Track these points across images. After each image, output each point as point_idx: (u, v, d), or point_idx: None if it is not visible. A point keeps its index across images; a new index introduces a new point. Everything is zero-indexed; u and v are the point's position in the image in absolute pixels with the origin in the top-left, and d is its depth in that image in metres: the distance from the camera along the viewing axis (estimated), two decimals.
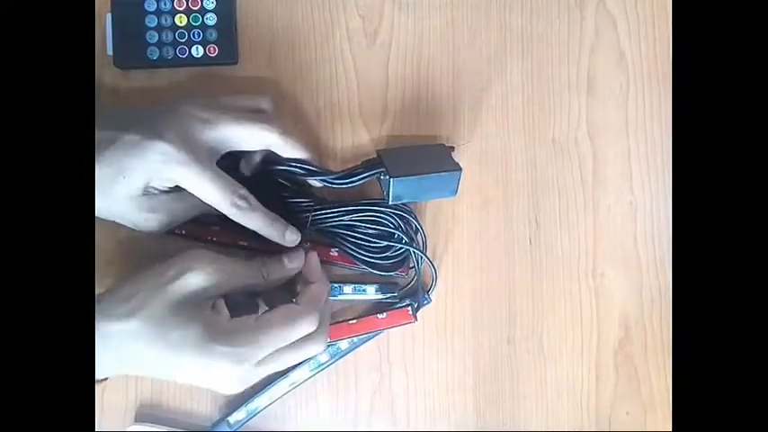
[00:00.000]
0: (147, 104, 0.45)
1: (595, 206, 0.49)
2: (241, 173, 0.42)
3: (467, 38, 0.48)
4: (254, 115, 0.41)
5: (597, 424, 0.49)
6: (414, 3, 0.47)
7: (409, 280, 0.47)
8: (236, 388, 0.37)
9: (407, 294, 0.47)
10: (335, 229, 0.44)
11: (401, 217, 0.44)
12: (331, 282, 0.44)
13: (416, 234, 0.45)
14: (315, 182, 0.44)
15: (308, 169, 0.43)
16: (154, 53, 0.44)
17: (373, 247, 0.44)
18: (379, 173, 0.42)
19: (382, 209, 0.44)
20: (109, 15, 0.44)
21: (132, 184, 0.37)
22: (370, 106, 0.47)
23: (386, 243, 0.44)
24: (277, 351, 0.38)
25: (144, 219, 0.39)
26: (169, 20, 0.44)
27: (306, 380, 0.46)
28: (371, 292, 0.46)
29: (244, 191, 0.39)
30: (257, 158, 0.42)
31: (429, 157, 0.44)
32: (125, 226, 0.40)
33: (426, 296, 0.47)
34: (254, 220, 0.40)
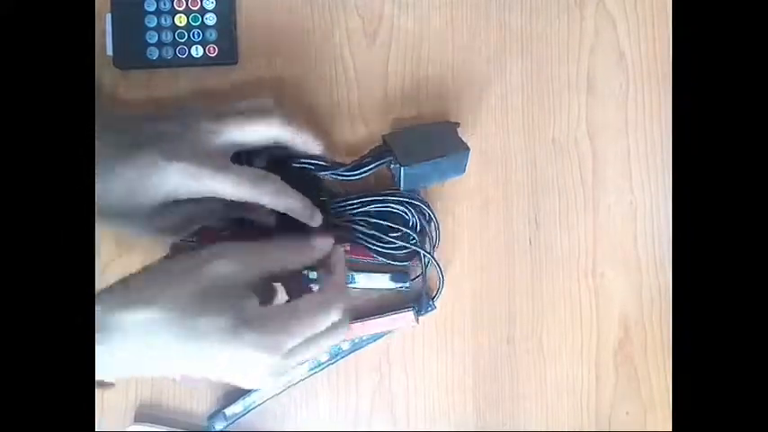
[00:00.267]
0: (147, 104, 0.45)
1: (595, 206, 0.49)
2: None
3: (466, 38, 0.48)
4: (258, 113, 0.41)
5: (597, 424, 0.49)
6: (414, 3, 0.47)
7: (419, 272, 0.46)
8: (264, 380, 0.36)
9: (413, 296, 0.47)
10: (349, 222, 0.44)
11: (414, 206, 0.44)
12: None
13: (429, 223, 0.45)
14: (325, 176, 0.44)
15: (318, 164, 0.43)
16: (153, 53, 0.44)
17: (387, 239, 0.44)
18: (389, 161, 0.42)
19: (395, 198, 0.44)
20: (109, 15, 0.44)
21: (148, 202, 0.37)
22: (370, 106, 0.47)
23: (399, 234, 0.44)
24: (306, 340, 0.36)
25: (153, 228, 0.39)
26: (169, 20, 0.44)
27: (305, 378, 0.46)
28: (384, 282, 0.46)
29: (271, 175, 0.39)
30: (267, 155, 0.42)
31: (436, 139, 0.44)
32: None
33: (431, 303, 0.46)
34: (289, 200, 0.40)
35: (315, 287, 0.42)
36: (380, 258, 0.45)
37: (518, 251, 0.48)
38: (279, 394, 0.46)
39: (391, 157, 0.42)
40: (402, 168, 0.41)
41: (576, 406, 0.49)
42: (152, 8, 0.44)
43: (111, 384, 0.38)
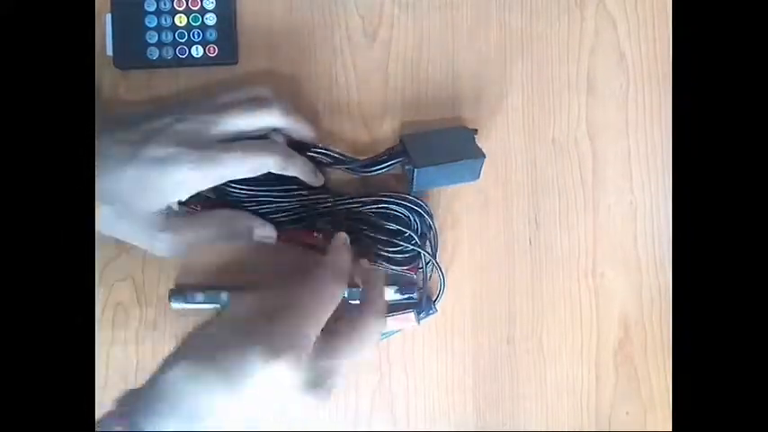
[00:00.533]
0: (147, 105, 0.45)
1: (595, 206, 0.49)
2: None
3: (466, 38, 0.48)
4: (255, 101, 0.41)
5: (597, 424, 0.49)
6: (414, 3, 0.47)
7: (422, 279, 0.46)
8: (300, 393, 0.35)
9: (421, 297, 0.47)
10: (349, 220, 0.44)
11: (417, 213, 0.44)
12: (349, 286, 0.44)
13: (429, 231, 0.45)
14: (341, 170, 0.44)
15: (334, 156, 0.43)
16: (153, 53, 0.44)
17: (386, 241, 0.44)
18: (404, 161, 0.43)
19: (398, 202, 0.44)
20: (109, 15, 0.44)
21: (157, 200, 0.38)
22: (370, 106, 0.47)
23: (401, 237, 0.44)
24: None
25: (158, 239, 0.39)
26: (169, 20, 0.44)
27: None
28: (391, 294, 0.46)
29: (273, 141, 0.41)
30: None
31: (453, 144, 0.44)
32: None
33: (432, 306, 0.46)
34: (297, 163, 0.41)
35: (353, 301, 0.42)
36: (379, 262, 0.44)
37: (518, 251, 0.48)
38: None
39: (406, 158, 0.43)
40: (415, 170, 0.41)
41: (576, 406, 0.49)
42: (152, 8, 0.44)
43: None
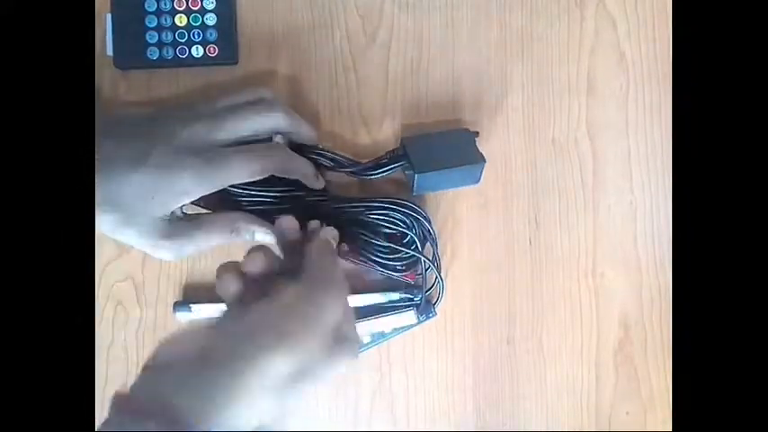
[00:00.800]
0: (147, 106, 0.45)
1: (595, 206, 0.49)
2: None
3: (467, 38, 0.48)
4: (256, 105, 0.41)
5: (597, 424, 0.49)
6: (414, 3, 0.47)
7: (428, 285, 0.46)
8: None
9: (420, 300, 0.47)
10: (348, 225, 0.44)
11: (416, 219, 0.44)
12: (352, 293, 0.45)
13: (429, 237, 0.45)
14: (342, 172, 0.44)
15: (335, 159, 0.44)
16: (154, 53, 0.44)
17: (384, 247, 0.44)
18: (404, 165, 0.43)
19: (397, 208, 0.44)
20: (109, 15, 0.44)
21: (161, 207, 0.38)
22: (370, 106, 0.47)
23: (399, 244, 0.44)
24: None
25: (162, 245, 0.39)
26: (169, 20, 0.44)
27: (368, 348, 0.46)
28: (395, 298, 0.46)
29: (275, 144, 0.41)
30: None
31: (453, 148, 0.44)
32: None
33: (432, 309, 0.46)
34: (299, 166, 0.42)
35: None
36: (377, 268, 0.44)
37: (518, 251, 0.48)
38: None
39: (407, 162, 0.43)
40: (416, 175, 0.42)
41: (576, 406, 0.49)
42: (152, 8, 0.44)
43: None
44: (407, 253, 0.44)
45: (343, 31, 0.47)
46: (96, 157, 0.36)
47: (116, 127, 0.39)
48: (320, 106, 0.46)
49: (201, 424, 0.28)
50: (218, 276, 0.36)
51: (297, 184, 0.43)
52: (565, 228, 0.48)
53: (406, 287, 0.46)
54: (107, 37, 0.44)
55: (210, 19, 0.44)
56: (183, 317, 0.45)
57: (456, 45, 0.47)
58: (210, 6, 0.44)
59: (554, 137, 0.48)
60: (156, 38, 0.44)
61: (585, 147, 0.48)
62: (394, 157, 0.44)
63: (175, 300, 0.46)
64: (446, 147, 0.44)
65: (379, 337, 0.46)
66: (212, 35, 0.45)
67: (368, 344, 0.47)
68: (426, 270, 0.45)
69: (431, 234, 0.45)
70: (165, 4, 0.44)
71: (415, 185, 0.43)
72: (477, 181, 0.44)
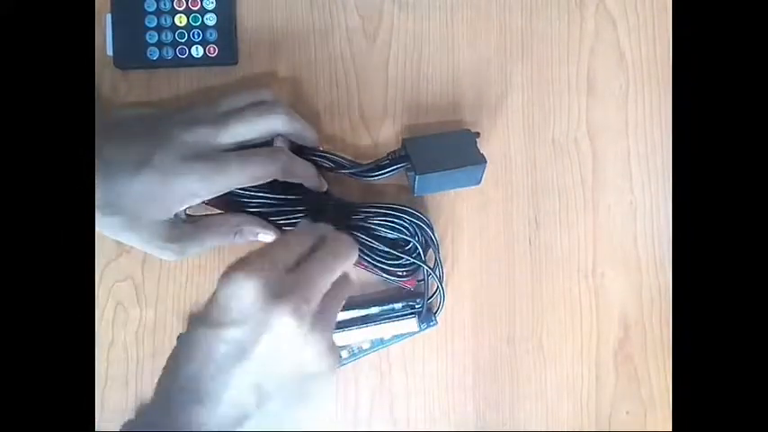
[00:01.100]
0: (147, 106, 0.45)
1: (595, 206, 0.49)
2: None
3: (467, 38, 0.48)
4: (258, 107, 0.41)
5: (597, 424, 0.49)
6: (414, 3, 0.47)
7: (430, 292, 0.46)
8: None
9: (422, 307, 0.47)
10: (351, 229, 0.44)
11: (418, 226, 0.44)
12: (354, 305, 0.45)
13: (431, 243, 0.45)
14: (343, 174, 0.44)
15: (336, 161, 0.43)
16: (154, 53, 0.44)
17: (386, 252, 0.44)
18: (406, 166, 0.43)
19: (400, 214, 0.44)
20: (109, 15, 0.44)
21: (162, 211, 0.38)
22: (370, 106, 0.47)
23: (400, 250, 0.44)
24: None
25: (165, 248, 0.39)
26: (169, 20, 0.44)
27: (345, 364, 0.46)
28: (399, 308, 0.46)
29: (277, 148, 0.41)
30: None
31: (455, 149, 0.44)
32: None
33: (433, 318, 0.46)
34: (301, 170, 0.42)
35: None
36: (379, 273, 0.44)
37: (518, 251, 0.48)
38: None
39: (408, 163, 0.43)
40: (417, 177, 0.42)
41: (576, 406, 0.49)
42: (152, 8, 0.44)
43: None
44: (409, 259, 0.44)
45: (343, 31, 0.47)
46: (97, 159, 0.36)
47: (116, 129, 0.39)
48: (320, 107, 0.46)
49: None
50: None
51: (299, 189, 0.43)
52: (565, 228, 0.48)
53: (408, 295, 0.46)
54: (107, 37, 0.44)
55: (210, 19, 0.44)
56: None
57: (456, 45, 0.47)
58: (210, 6, 0.44)
59: (554, 137, 0.48)
60: (156, 38, 0.44)
61: (585, 147, 0.48)
62: (395, 158, 0.44)
63: (176, 301, 0.46)
64: (447, 148, 0.44)
65: (379, 343, 0.46)
66: (212, 35, 0.45)
67: (367, 350, 0.47)
68: (428, 276, 0.45)
69: (433, 242, 0.45)
70: (165, 4, 0.44)
71: (416, 187, 0.43)
72: (479, 182, 0.44)
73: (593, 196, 0.49)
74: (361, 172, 0.44)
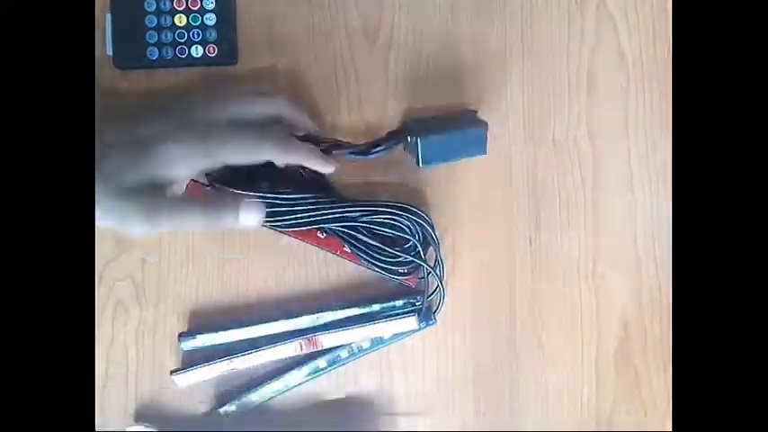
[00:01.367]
0: (144, 97, 0.45)
1: (595, 206, 0.49)
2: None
3: (467, 38, 0.47)
4: (257, 90, 0.42)
5: (597, 424, 0.49)
6: (414, 3, 0.47)
7: (430, 290, 0.46)
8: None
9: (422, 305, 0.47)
10: (350, 229, 0.44)
11: (419, 224, 0.44)
12: (355, 307, 0.46)
13: (432, 241, 0.45)
14: (339, 155, 0.44)
15: (334, 143, 0.44)
16: (153, 53, 0.44)
17: (386, 250, 0.44)
18: (406, 139, 0.43)
19: (401, 213, 0.44)
20: (109, 15, 0.44)
21: (147, 175, 0.36)
22: (370, 106, 0.47)
23: (399, 249, 0.44)
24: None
25: (138, 218, 0.36)
26: (168, 20, 0.44)
27: (300, 384, 0.46)
28: (400, 306, 0.46)
29: (274, 129, 0.40)
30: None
31: (455, 120, 0.45)
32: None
33: (432, 317, 0.46)
34: (298, 151, 0.41)
35: None
36: (380, 271, 0.44)
37: (518, 251, 0.48)
38: (274, 398, 0.46)
39: (407, 136, 0.42)
40: (418, 140, 0.41)
41: (576, 406, 0.49)
42: (152, 8, 0.44)
43: None
44: (407, 257, 0.44)
45: (343, 32, 0.47)
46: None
47: (113, 111, 0.38)
48: (320, 106, 0.46)
49: None
50: None
51: (303, 186, 0.43)
52: (565, 228, 0.48)
53: (408, 293, 0.46)
54: (107, 37, 0.44)
55: (210, 19, 0.44)
56: (189, 346, 0.45)
57: (456, 45, 0.47)
58: (210, 6, 0.44)
59: (554, 136, 0.48)
60: (156, 38, 0.44)
61: (585, 146, 0.48)
62: (393, 135, 0.44)
63: (176, 301, 0.46)
64: (447, 119, 0.45)
65: (379, 342, 0.46)
66: (212, 35, 0.45)
67: (367, 349, 0.47)
68: (428, 275, 0.45)
69: (434, 239, 0.45)
70: (165, 4, 0.44)
71: (419, 154, 0.42)
72: (485, 151, 0.44)
73: (593, 196, 0.49)
74: (359, 151, 0.43)
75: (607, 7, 0.48)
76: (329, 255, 0.46)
